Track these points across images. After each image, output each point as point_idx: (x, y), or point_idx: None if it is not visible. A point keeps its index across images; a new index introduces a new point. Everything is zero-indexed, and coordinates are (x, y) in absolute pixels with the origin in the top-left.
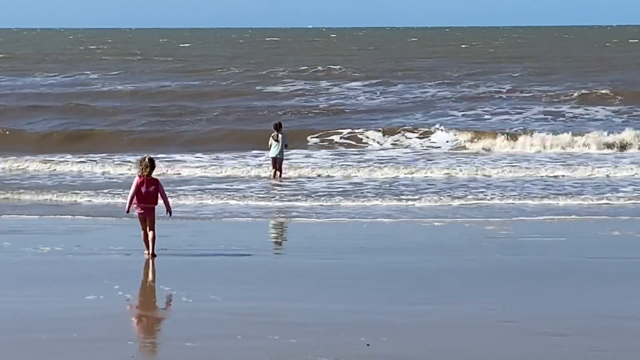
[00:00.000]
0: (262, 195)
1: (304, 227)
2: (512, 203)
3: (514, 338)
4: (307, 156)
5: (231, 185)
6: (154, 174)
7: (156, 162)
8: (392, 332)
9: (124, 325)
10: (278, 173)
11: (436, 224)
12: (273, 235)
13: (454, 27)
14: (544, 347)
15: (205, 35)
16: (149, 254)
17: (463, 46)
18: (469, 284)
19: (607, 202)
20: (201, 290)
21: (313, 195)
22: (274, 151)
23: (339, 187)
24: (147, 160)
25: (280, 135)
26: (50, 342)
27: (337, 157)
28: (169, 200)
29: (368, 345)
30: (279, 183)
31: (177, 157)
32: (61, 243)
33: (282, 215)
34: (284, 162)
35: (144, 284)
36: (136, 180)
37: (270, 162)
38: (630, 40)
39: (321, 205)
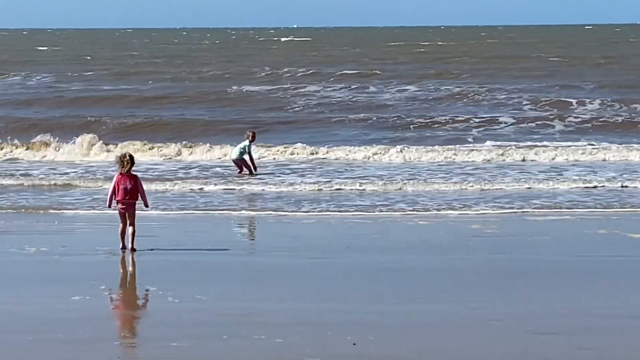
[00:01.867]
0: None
1: (291, 227)
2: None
3: (502, 337)
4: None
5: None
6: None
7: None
8: (379, 332)
9: (110, 325)
10: (245, 170)
11: (422, 222)
12: (260, 235)
13: (440, 27)
14: (531, 346)
15: (179, 35)
16: (124, 248)
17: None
18: (456, 283)
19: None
20: (187, 290)
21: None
22: (234, 153)
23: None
24: (127, 157)
25: (245, 142)
26: (36, 342)
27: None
28: (146, 194)
29: (355, 344)
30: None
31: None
32: (47, 243)
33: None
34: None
35: (130, 284)
36: (116, 177)
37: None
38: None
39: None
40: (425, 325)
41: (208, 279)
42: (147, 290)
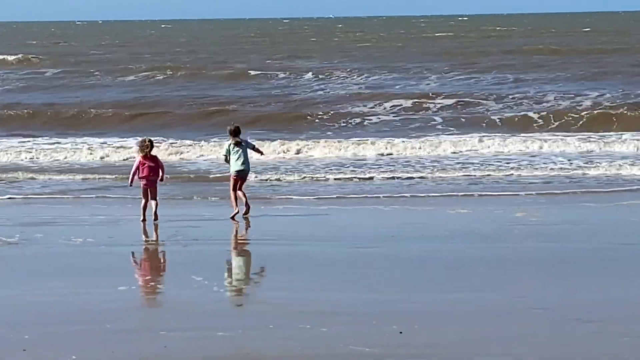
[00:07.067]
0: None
1: (335, 217)
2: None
3: (547, 325)
4: None
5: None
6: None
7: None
8: (425, 321)
9: (156, 315)
10: (240, 193)
11: (463, 211)
12: (303, 225)
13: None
14: (577, 334)
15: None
16: (144, 220)
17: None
18: (500, 271)
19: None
20: (233, 280)
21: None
22: (238, 164)
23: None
24: (147, 141)
25: (238, 142)
26: (83, 333)
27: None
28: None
29: (401, 333)
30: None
31: None
32: (93, 234)
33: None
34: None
35: (176, 274)
36: (138, 159)
37: (231, 180)
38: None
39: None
40: (470, 314)
41: (253, 269)
42: (192, 280)
